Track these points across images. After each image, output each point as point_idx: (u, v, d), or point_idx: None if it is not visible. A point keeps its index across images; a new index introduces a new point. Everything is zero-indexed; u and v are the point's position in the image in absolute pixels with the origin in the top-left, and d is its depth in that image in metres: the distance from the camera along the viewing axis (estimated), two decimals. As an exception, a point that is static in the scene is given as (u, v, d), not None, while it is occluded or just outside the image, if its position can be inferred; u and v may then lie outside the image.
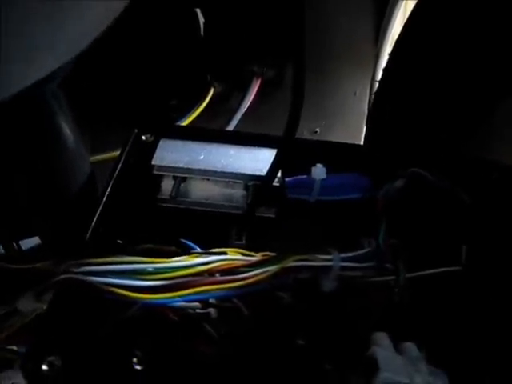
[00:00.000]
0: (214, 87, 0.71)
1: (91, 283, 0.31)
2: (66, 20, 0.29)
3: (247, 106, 0.71)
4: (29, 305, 0.34)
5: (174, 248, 0.36)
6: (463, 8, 0.53)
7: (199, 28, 0.66)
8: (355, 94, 0.86)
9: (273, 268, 0.32)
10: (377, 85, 0.69)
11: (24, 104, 0.33)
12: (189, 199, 0.41)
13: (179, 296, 0.31)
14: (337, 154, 0.43)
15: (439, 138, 0.55)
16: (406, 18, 0.61)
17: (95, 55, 0.32)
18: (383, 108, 0.64)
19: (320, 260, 0.33)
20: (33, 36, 0.27)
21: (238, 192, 0.42)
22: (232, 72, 0.72)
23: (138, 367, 0.34)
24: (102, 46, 0.32)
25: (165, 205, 0.41)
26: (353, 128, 0.88)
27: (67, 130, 0.38)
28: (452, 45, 0.55)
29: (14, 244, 0.41)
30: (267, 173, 0.38)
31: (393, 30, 0.79)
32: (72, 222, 0.41)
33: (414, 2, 0.59)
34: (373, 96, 0.78)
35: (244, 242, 0.38)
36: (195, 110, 0.69)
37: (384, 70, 0.65)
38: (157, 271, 0.32)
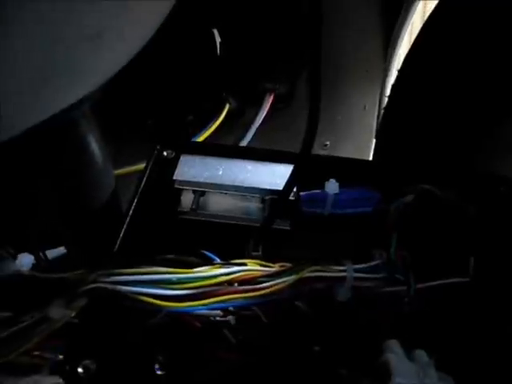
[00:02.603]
0: (230, 103, 0.73)
1: (119, 292, 0.33)
2: (98, 48, 0.31)
3: (261, 121, 0.73)
4: (59, 312, 0.35)
5: (193, 258, 0.37)
6: (470, 26, 0.55)
7: (216, 47, 0.68)
8: (364, 108, 0.87)
9: (290, 278, 0.34)
10: (386, 100, 0.70)
11: (56, 127, 0.35)
12: (208, 212, 0.43)
13: (202, 305, 0.33)
14: (349, 170, 0.45)
15: (447, 153, 0.57)
16: (414, 34, 0.62)
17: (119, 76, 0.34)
18: (392, 123, 0.66)
19: (335, 271, 0.35)
20: (66, 64, 0.30)
21: (254, 205, 0.43)
22: (246, 89, 0.74)
23: (160, 372, 0.35)
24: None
25: (185, 217, 0.42)
26: (362, 141, 0.89)
27: (95, 148, 0.40)
28: (459, 62, 0.56)
29: (41, 254, 0.43)
30: (284, 187, 0.39)
31: (401, 45, 0.80)
32: (97, 234, 0.43)
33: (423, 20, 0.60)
34: (382, 111, 0.80)
35: (260, 252, 0.40)
36: (211, 126, 0.71)
37: (393, 85, 0.66)
38: (181, 281, 0.33)
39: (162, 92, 0.68)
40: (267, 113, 0.73)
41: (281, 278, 0.34)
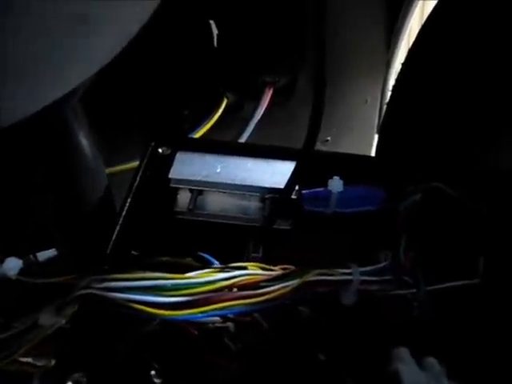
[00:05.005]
0: (227, 98, 0.72)
1: (112, 299, 0.32)
2: (89, 36, 0.29)
3: (260, 116, 0.71)
4: (49, 319, 0.34)
5: (190, 260, 0.36)
6: (475, 18, 0.53)
7: (213, 39, 0.67)
8: (366, 102, 0.86)
9: (293, 282, 0.33)
10: (389, 94, 0.69)
11: (44, 121, 0.34)
12: (206, 212, 0.41)
13: (200, 312, 0.31)
14: (353, 167, 0.43)
15: (452, 149, 0.55)
16: (418, 28, 0.61)
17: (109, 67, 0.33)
18: (395, 117, 0.65)
19: (340, 274, 0.33)
20: (55, 53, 0.28)
21: (254, 204, 0.42)
22: (245, 82, 0.73)
23: (157, 380, 0.34)
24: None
25: (182, 217, 0.41)
26: (364, 136, 0.88)
27: (86, 146, 0.39)
28: (464, 54, 0.55)
29: (32, 257, 0.41)
30: (285, 186, 0.38)
31: (404, 38, 0.79)
32: (89, 235, 0.42)
33: (428, 12, 0.59)
34: (385, 105, 0.79)
35: (261, 254, 0.39)
36: (209, 121, 0.69)
37: (396, 79, 0.65)
38: (177, 287, 0.32)
39: (157, 86, 0.66)
40: (266, 107, 0.71)
41: (283, 282, 0.33)
